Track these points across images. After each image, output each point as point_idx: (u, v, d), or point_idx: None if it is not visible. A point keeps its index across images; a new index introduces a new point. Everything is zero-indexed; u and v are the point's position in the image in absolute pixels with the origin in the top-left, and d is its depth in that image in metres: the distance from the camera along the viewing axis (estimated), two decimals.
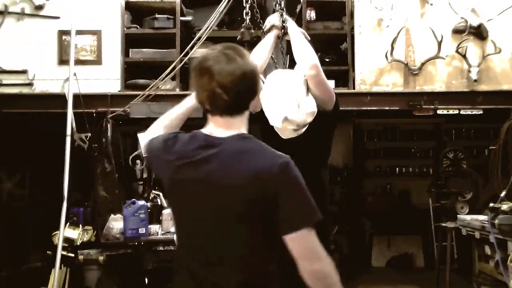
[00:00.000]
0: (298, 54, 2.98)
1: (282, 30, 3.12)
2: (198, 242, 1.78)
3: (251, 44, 3.41)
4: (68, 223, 4.56)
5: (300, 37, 3.05)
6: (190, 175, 1.75)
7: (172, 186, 1.82)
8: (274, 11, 3.33)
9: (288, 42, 3.22)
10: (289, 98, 2.79)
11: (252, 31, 3.44)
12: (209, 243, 1.75)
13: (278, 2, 3.20)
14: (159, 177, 1.92)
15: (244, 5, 3.39)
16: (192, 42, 4.96)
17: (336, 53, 5.25)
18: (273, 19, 3.16)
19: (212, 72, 1.70)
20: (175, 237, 1.96)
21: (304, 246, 1.70)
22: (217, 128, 1.77)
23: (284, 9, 3.16)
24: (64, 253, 4.41)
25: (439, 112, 5.06)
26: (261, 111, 3.14)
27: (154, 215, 4.80)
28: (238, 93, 1.72)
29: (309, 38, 3.10)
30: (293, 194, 1.70)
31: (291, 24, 3.14)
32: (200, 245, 1.77)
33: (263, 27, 3.21)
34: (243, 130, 1.80)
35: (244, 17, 3.39)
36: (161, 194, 5.02)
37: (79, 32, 4.89)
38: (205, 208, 1.74)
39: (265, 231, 1.73)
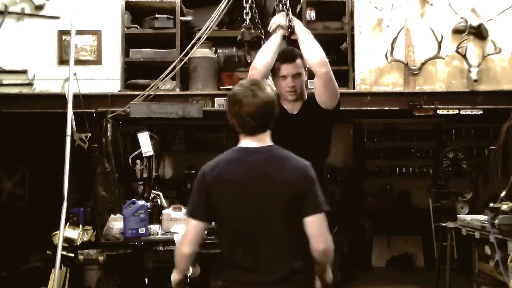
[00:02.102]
0: (308, 53, 2.99)
1: (289, 30, 3.13)
2: (250, 235, 2.21)
3: (251, 44, 3.41)
4: (68, 223, 4.56)
5: (309, 36, 3.07)
6: (241, 176, 2.22)
7: (225, 188, 2.24)
8: (275, 11, 3.34)
9: (292, 41, 3.23)
10: None
11: (252, 31, 3.45)
12: (261, 234, 2.20)
13: (283, 2, 3.21)
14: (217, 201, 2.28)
15: (244, 5, 3.39)
16: (192, 42, 4.96)
17: (336, 53, 5.24)
18: (278, 19, 3.16)
19: (242, 104, 2.23)
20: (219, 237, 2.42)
21: (320, 226, 2.21)
22: (252, 142, 2.29)
23: (290, 8, 3.17)
24: (64, 253, 4.41)
25: (439, 112, 5.07)
26: None
27: (154, 215, 4.79)
28: (262, 118, 2.26)
29: (313, 37, 3.12)
30: (316, 187, 2.24)
31: (297, 23, 3.15)
32: (253, 237, 2.21)
33: (268, 28, 3.21)
34: (269, 141, 2.32)
35: (244, 17, 3.40)
36: (161, 194, 5.02)
37: (79, 32, 4.89)
38: (256, 203, 2.20)
39: (299, 219, 2.21)
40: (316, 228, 2.20)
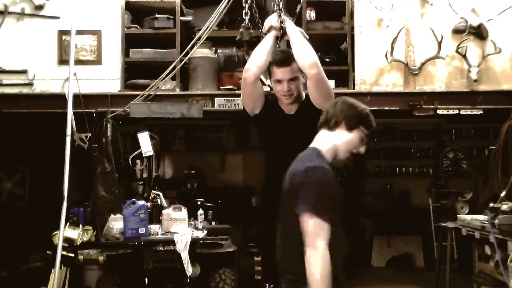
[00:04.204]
0: (298, 54, 2.97)
1: (281, 31, 3.12)
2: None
3: (250, 44, 3.41)
4: (68, 223, 4.57)
5: (299, 37, 3.05)
6: None
7: None
8: (273, 12, 3.34)
9: (287, 42, 3.22)
10: None
11: (251, 31, 3.45)
12: None
13: (277, 3, 3.20)
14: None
15: (244, 5, 3.39)
16: (192, 42, 4.96)
17: (336, 53, 5.24)
18: (271, 21, 3.16)
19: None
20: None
21: (304, 229, 2.19)
22: None
23: (283, 9, 3.17)
24: (64, 253, 4.42)
25: (439, 112, 5.06)
26: (260, 112, 3.15)
27: (154, 215, 4.79)
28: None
29: (308, 37, 3.11)
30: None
31: (289, 24, 3.14)
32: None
33: (262, 29, 3.21)
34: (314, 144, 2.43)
35: (244, 17, 3.40)
36: (161, 194, 5.03)
37: (79, 32, 4.89)
38: None
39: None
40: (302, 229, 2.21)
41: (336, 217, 2.32)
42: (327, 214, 2.22)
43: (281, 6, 3.18)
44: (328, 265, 2.17)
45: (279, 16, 3.14)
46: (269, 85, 4.15)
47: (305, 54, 2.95)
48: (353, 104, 2.46)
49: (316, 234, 2.18)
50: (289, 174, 2.33)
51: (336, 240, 2.28)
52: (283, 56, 3.05)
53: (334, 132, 2.41)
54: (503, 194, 4.24)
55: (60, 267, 4.35)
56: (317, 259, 2.16)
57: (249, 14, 3.40)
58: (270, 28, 3.14)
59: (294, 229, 2.24)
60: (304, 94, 3.13)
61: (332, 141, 2.41)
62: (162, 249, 4.48)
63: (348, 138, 2.41)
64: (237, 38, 3.45)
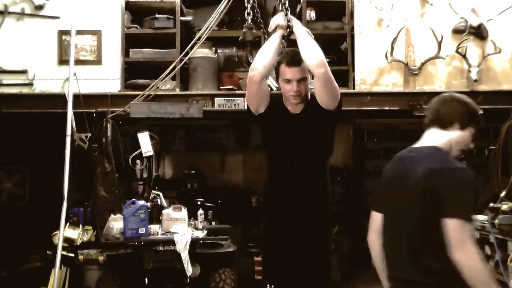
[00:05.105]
0: (305, 53, 2.97)
1: (288, 30, 3.12)
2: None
3: (253, 44, 3.41)
4: (68, 223, 4.57)
5: (307, 36, 3.05)
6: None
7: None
8: (275, 11, 3.33)
9: (291, 41, 3.22)
10: None
11: (254, 31, 3.44)
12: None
13: (282, 1, 3.20)
14: None
15: (246, 5, 3.38)
16: (192, 42, 4.96)
17: (336, 53, 5.24)
18: (277, 19, 3.15)
19: None
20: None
21: (453, 231, 2.09)
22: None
23: (289, 8, 3.16)
24: (64, 253, 4.42)
25: None
26: (264, 112, 3.14)
27: (154, 215, 4.79)
28: None
29: (313, 37, 3.11)
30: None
31: (296, 23, 3.13)
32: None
33: (268, 28, 3.21)
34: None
35: (246, 17, 3.39)
36: (161, 194, 5.03)
37: (79, 32, 4.89)
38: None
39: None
40: (451, 234, 2.10)
41: None
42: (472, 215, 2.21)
43: (287, 5, 3.18)
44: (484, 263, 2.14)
45: (286, 15, 3.13)
46: (269, 85, 4.16)
47: (313, 54, 2.94)
48: (465, 102, 2.40)
49: (467, 237, 2.09)
50: (421, 172, 2.21)
51: None
52: (293, 56, 3.03)
53: (447, 131, 2.38)
54: (503, 194, 4.23)
55: (60, 267, 4.35)
56: (474, 261, 2.07)
57: (251, 14, 3.40)
58: (277, 27, 3.13)
59: (432, 232, 2.13)
60: (309, 94, 3.13)
61: (447, 140, 2.36)
62: (162, 249, 4.49)
63: (461, 136, 2.37)
64: (240, 38, 3.44)
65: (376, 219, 2.46)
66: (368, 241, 2.46)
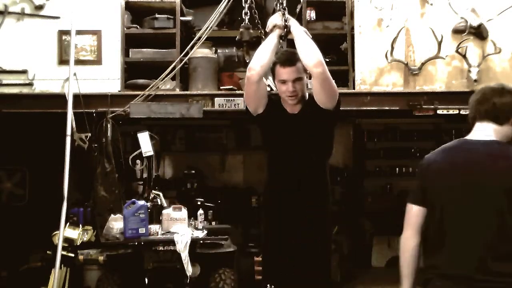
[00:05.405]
0: (303, 53, 2.96)
1: (285, 30, 3.12)
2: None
3: (250, 44, 3.40)
4: (68, 223, 4.57)
5: (304, 36, 3.04)
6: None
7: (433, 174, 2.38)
8: (274, 11, 3.33)
9: (289, 41, 3.21)
10: None
11: (251, 31, 3.43)
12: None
13: (280, 1, 3.19)
14: None
15: (243, 5, 3.38)
16: (192, 42, 4.96)
17: (336, 53, 5.24)
18: (275, 19, 3.15)
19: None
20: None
21: None
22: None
23: (286, 8, 3.16)
24: (64, 253, 4.42)
25: (439, 112, 5.05)
26: (263, 112, 3.14)
27: (154, 215, 4.79)
28: None
29: (311, 37, 3.10)
30: None
31: (293, 23, 3.13)
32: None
33: (266, 28, 3.20)
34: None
35: (243, 17, 3.39)
36: (161, 194, 5.03)
37: (79, 32, 4.89)
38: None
39: None
40: None
41: None
42: None
43: (284, 4, 3.17)
44: None
45: (283, 14, 3.13)
46: (268, 85, 4.15)
47: (310, 53, 2.94)
48: None
49: None
50: (503, 169, 2.14)
51: None
52: (287, 56, 3.03)
53: (502, 126, 2.29)
54: None
55: (60, 267, 4.35)
56: None
57: (248, 14, 3.39)
58: (274, 27, 3.12)
59: None
60: (307, 94, 3.12)
61: (503, 136, 2.28)
62: (162, 249, 4.49)
63: (510, 133, 2.31)
64: (236, 38, 3.44)
65: (416, 213, 2.35)
66: (401, 238, 2.37)
